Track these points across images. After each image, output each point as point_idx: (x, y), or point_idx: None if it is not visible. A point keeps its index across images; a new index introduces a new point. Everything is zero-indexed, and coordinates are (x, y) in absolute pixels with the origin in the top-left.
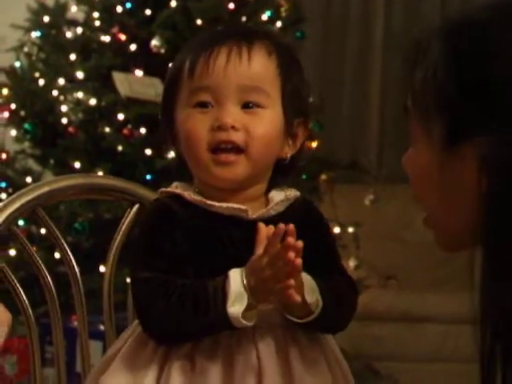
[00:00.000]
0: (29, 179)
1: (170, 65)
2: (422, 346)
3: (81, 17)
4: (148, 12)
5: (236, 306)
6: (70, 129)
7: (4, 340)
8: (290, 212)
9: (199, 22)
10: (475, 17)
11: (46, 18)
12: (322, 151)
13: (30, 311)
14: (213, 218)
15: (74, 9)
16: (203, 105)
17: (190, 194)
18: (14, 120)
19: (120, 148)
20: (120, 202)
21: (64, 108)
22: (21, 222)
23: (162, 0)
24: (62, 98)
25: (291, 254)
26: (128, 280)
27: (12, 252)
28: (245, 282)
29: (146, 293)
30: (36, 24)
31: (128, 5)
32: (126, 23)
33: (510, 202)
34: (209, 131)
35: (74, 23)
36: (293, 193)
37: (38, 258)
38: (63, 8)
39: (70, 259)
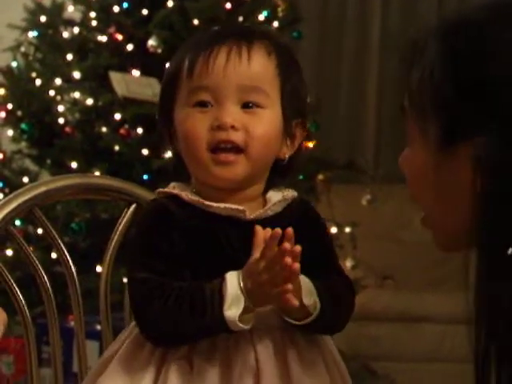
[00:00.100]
0: (26, 179)
1: (168, 64)
2: (419, 346)
3: (78, 17)
4: (145, 12)
5: (233, 310)
6: (67, 129)
7: None
8: (288, 212)
9: (196, 21)
10: (472, 17)
11: (43, 18)
12: (319, 151)
13: (27, 311)
14: (210, 218)
15: (70, 9)
16: (203, 104)
17: (187, 195)
18: (11, 120)
19: (117, 148)
20: (117, 201)
21: (61, 108)
22: (17, 222)
23: (159, 0)
24: (58, 97)
25: (288, 259)
26: (125, 280)
27: (9, 252)
28: (242, 284)
29: (142, 294)
30: (33, 24)
31: (125, 5)
32: (122, 23)
33: (505, 203)
34: (208, 131)
35: (70, 23)
36: (290, 193)
37: (34, 258)
38: (60, 8)
39: (67, 259)
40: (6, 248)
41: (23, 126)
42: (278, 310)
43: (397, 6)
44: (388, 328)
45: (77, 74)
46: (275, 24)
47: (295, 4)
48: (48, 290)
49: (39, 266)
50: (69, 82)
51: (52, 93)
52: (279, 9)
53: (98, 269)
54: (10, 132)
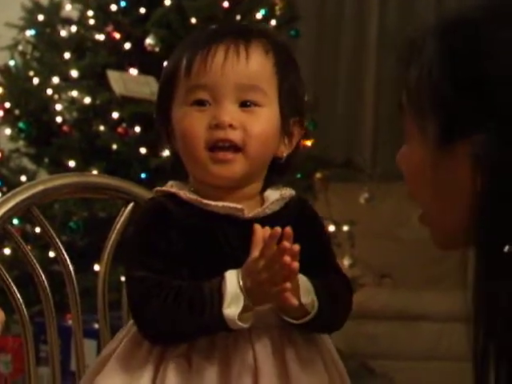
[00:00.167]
0: (23, 178)
1: (166, 63)
2: (417, 345)
3: (75, 15)
4: (142, 10)
5: (232, 308)
6: (65, 127)
7: None
8: (285, 211)
9: (193, 20)
10: (469, 15)
11: (41, 17)
12: (317, 150)
13: (25, 310)
14: (208, 216)
15: (68, 7)
16: (201, 103)
17: (185, 193)
18: (9, 119)
19: (115, 147)
20: (115, 200)
21: (58, 107)
22: (15, 221)
23: None
24: (56, 96)
25: (287, 258)
26: (123, 279)
27: (6, 251)
28: (241, 283)
29: (140, 292)
30: (30, 22)
31: (122, 3)
32: (120, 22)
33: (503, 201)
34: (206, 129)
35: (68, 22)
36: (288, 192)
37: (32, 257)
38: (57, 6)
39: (65, 258)
40: (4, 247)
41: (21, 124)
42: (276, 308)
43: (394, 5)
44: (386, 326)
45: (74, 73)
46: (273, 22)
47: (293, 2)
48: (46, 289)
49: (37, 264)
50: (66, 80)
51: (50, 91)
52: (277, 7)
53: (96, 267)
54: (8, 131)
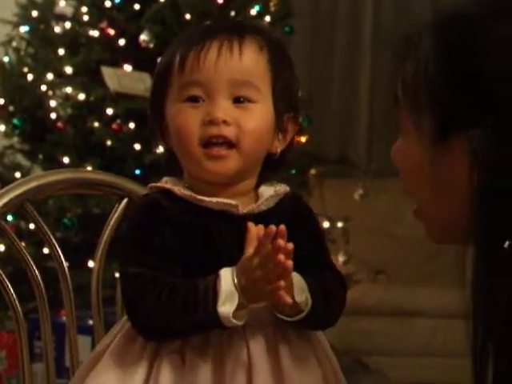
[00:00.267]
0: (18, 174)
1: (159, 59)
2: (412, 341)
3: (69, 11)
4: (137, 7)
5: (226, 306)
6: (59, 124)
7: None
8: (280, 207)
9: (188, 16)
10: (464, 11)
11: (35, 13)
12: (311, 146)
13: (19, 306)
14: (203, 212)
15: (62, 3)
16: (194, 99)
17: (179, 189)
18: (3, 115)
19: (109, 143)
20: (109, 196)
21: (53, 103)
22: (10, 218)
23: None
24: (50, 92)
25: (281, 256)
26: (117, 275)
27: (1, 247)
28: (236, 281)
29: (134, 288)
30: (24, 19)
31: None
32: (114, 18)
33: (501, 198)
34: (200, 126)
35: (62, 18)
36: (282, 188)
37: (26, 254)
38: (51, 3)
39: (59, 254)
40: None
41: (15, 121)
42: (270, 306)
43: (389, 1)
44: (380, 323)
45: (69, 69)
46: (267, 19)
47: None
48: (40, 285)
49: (31, 261)
50: (61, 76)
51: (44, 88)
52: (271, 3)
53: (90, 264)
54: (2, 127)
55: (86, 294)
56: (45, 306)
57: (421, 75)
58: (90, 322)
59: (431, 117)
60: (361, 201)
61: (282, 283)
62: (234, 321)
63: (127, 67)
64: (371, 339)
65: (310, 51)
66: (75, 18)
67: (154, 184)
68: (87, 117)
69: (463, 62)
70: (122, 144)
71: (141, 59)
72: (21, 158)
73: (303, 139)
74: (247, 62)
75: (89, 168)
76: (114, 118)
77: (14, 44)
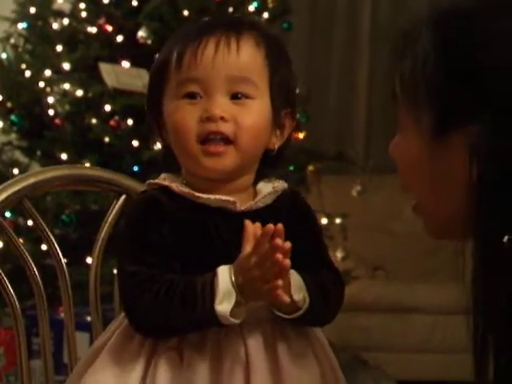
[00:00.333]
0: (16, 171)
1: (157, 56)
2: (410, 337)
3: (67, 8)
4: (134, 3)
5: (224, 304)
6: (57, 120)
7: None
8: (278, 204)
9: (186, 12)
10: (462, 6)
11: (33, 10)
12: (309, 142)
13: (17, 303)
14: (200, 209)
15: (60, 0)
16: (192, 96)
17: (177, 186)
18: (1, 111)
19: (107, 139)
20: (107, 193)
21: (51, 99)
22: (8, 214)
23: None
24: (48, 89)
25: (279, 256)
26: (115, 271)
27: None
28: (233, 279)
29: (132, 286)
30: (22, 15)
31: None
32: (112, 14)
33: (500, 192)
34: (198, 122)
35: (60, 14)
36: (280, 185)
37: (24, 251)
38: None
39: (57, 251)
40: None
41: (13, 117)
42: (268, 303)
43: None
44: (379, 319)
45: (66, 66)
46: (265, 15)
47: None
48: (38, 282)
49: (29, 258)
50: (58, 73)
51: (42, 84)
52: (269, 0)
53: (88, 260)
54: (0, 124)
55: (84, 290)
56: (43, 303)
57: (419, 71)
58: (88, 318)
59: (430, 112)
60: (359, 197)
61: (280, 282)
62: (232, 319)
63: (125, 63)
64: (370, 335)
65: (308, 48)
66: (73, 15)
67: (152, 180)
68: (85, 113)
69: (461, 57)
70: (120, 140)
71: (139, 55)
72: (19, 155)
73: (301, 135)
74: (244, 58)
75: (87, 164)
76: (111, 114)
77: (12, 41)
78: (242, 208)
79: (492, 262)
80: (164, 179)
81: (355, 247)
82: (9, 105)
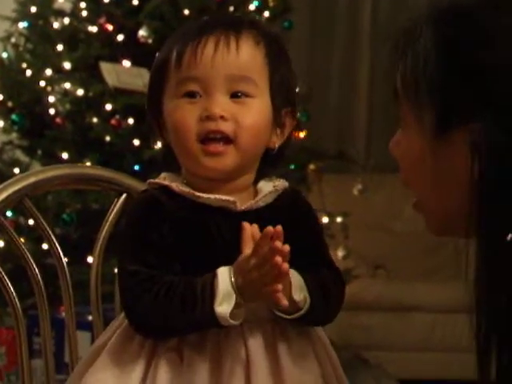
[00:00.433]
0: (17, 170)
1: (157, 55)
2: (411, 335)
3: (68, 7)
4: (135, 2)
5: (224, 306)
6: (58, 119)
7: None
8: (279, 203)
9: (186, 11)
10: (462, 4)
11: (33, 9)
12: (310, 141)
13: (18, 303)
14: (201, 209)
15: None
16: (191, 95)
17: (177, 186)
18: (2, 111)
19: (108, 138)
20: (107, 192)
21: (51, 99)
22: (9, 214)
23: None
24: (49, 88)
25: (278, 259)
26: (116, 270)
27: (0, 243)
28: (233, 280)
29: (132, 287)
30: (23, 14)
31: None
32: (113, 13)
33: (503, 189)
34: (197, 121)
35: (61, 13)
36: (281, 184)
37: (25, 250)
38: None
39: (58, 251)
40: None
41: (14, 116)
42: (268, 303)
43: None
44: (380, 317)
45: (67, 65)
46: (266, 14)
47: None
48: (39, 282)
49: (30, 257)
50: (59, 72)
51: (42, 83)
52: None
53: (89, 259)
54: (1, 123)
55: (85, 289)
56: (44, 302)
57: (420, 69)
58: (89, 317)
59: (431, 110)
60: (360, 196)
61: (280, 287)
62: (231, 321)
63: (126, 63)
64: (370, 334)
65: (309, 46)
66: (74, 14)
67: (152, 180)
68: (86, 112)
69: (462, 55)
70: (121, 140)
71: (139, 55)
72: (19, 154)
73: (302, 134)
74: (244, 56)
75: (88, 164)
76: (112, 113)
77: (13, 40)
78: (243, 207)
79: (495, 261)
80: (164, 178)
81: (356, 246)
82: (10, 104)
